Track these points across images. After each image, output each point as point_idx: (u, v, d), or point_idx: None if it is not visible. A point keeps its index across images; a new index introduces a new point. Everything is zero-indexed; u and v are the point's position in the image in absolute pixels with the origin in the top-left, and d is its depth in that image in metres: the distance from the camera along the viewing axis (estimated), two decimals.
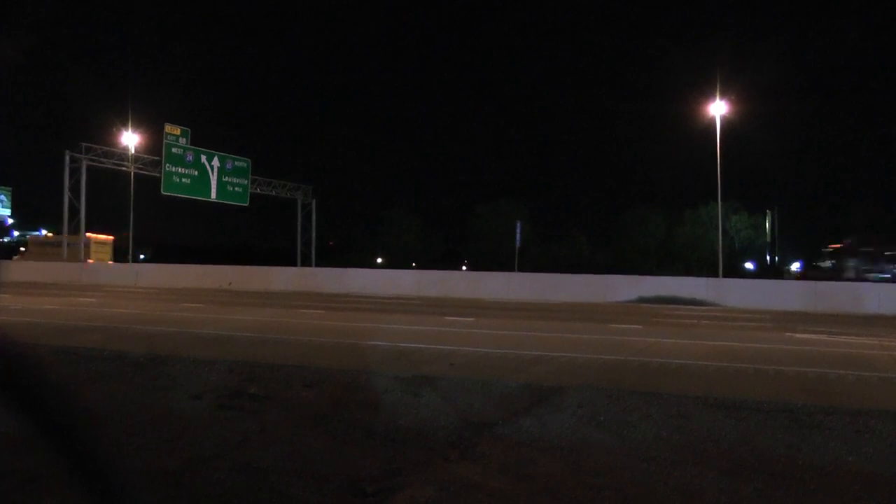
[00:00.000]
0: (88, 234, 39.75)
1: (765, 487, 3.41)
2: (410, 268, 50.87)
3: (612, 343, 9.85)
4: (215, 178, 37.38)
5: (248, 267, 31.68)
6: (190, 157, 36.06)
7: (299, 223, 48.69)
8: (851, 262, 32.16)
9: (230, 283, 27.76)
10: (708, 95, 32.83)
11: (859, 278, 29.72)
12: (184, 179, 35.85)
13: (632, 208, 61.65)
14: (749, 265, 53.73)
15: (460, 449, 3.95)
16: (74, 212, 36.20)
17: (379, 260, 66.99)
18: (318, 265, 46.82)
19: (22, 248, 42.68)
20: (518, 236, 31.77)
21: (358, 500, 3.15)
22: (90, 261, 37.28)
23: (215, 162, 37.33)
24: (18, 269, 31.84)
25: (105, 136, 39.27)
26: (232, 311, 14.48)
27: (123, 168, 38.05)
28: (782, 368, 7.52)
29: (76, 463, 1.25)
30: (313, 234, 49.71)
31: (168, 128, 35.20)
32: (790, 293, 22.53)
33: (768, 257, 56.14)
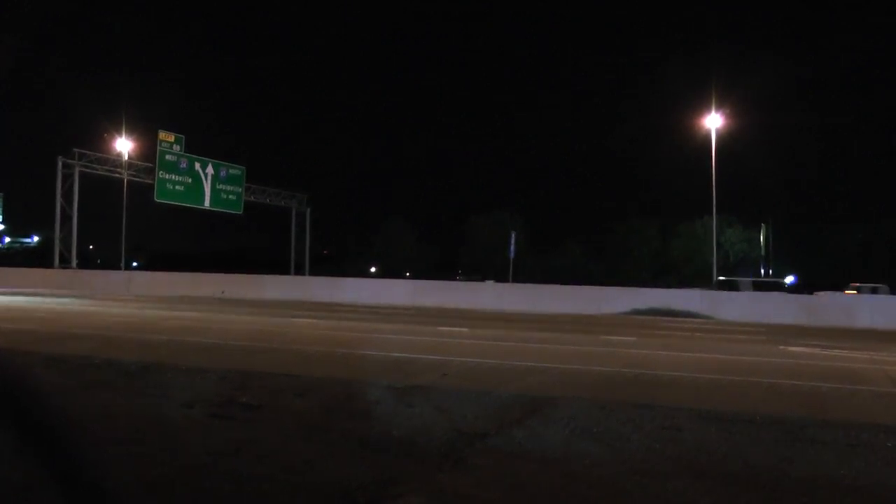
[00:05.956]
0: None
1: (757, 501, 3.41)
2: (404, 277, 50.81)
3: (606, 354, 9.85)
4: (209, 185, 37.30)
5: (241, 275, 31.59)
6: (184, 165, 35.99)
7: (293, 232, 48.61)
8: None
9: (223, 292, 27.66)
10: (704, 108, 33.05)
11: None
12: (177, 187, 35.76)
13: (627, 220, 61.81)
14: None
15: (453, 459, 3.94)
16: (67, 219, 36.03)
17: (373, 269, 66.89)
18: (312, 274, 46.68)
19: None
20: (512, 247, 31.75)
21: None
22: None
23: (209, 169, 37.26)
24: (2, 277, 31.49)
25: (98, 142, 39.14)
26: (224, 320, 14.42)
27: (117, 175, 37.91)
28: (775, 381, 7.53)
29: (66, 473, 1.24)
30: (307, 243, 49.62)
31: (162, 135, 35.14)
32: (784, 307, 22.59)
33: (763, 271, 56.31)
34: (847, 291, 34.18)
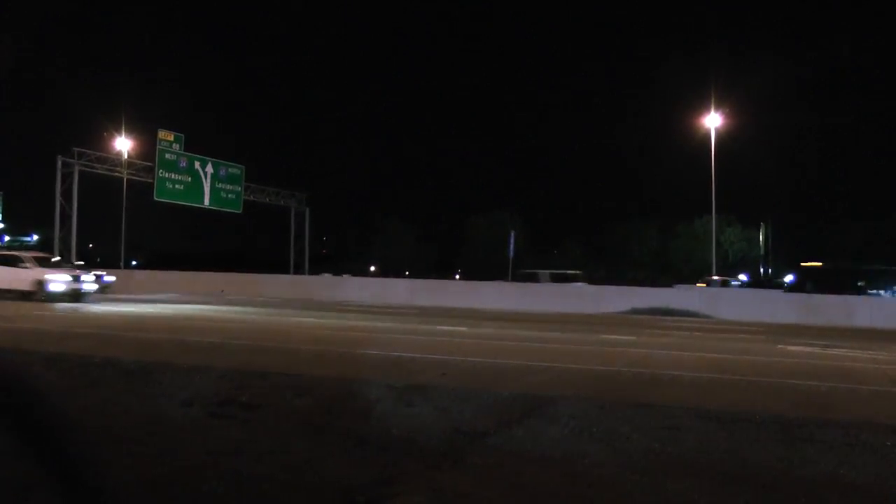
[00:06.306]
0: None
1: (756, 500, 3.41)
2: (404, 277, 50.82)
3: (605, 354, 9.85)
4: (208, 184, 37.25)
5: (240, 274, 31.59)
6: (183, 164, 35.95)
7: (293, 231, 48.54)
8: None
9: (223, 291, 27.65)
10: (704, 108, 33.06)
11: None
12: (177, 185, 35.72)
13: (626, 220, 61.91)
14: (742, 277, 53.93)
15: (452, 459, 3.94)
16: (66, 218, 35.99)
17: (372, 268, 66.89)
18: (311, 273, 46.67)
19: None
20: (512, 247, 31.76)
21: None
22: None
23: (209, 168, 37.21)
24: None
25: (98, 141, 39.06)
26: (223, 319, 14.42)
27: (116, 173, 37.83)
28: (774, 381, 7.53)
29: (66, 473, 1.24)
30: (307, 242, 49.57)
31: (161, 133, 35.10)
32: (783, 306, 22.60)
33: (762, 270, 56.32)
34: (698, 284, 34.14)
